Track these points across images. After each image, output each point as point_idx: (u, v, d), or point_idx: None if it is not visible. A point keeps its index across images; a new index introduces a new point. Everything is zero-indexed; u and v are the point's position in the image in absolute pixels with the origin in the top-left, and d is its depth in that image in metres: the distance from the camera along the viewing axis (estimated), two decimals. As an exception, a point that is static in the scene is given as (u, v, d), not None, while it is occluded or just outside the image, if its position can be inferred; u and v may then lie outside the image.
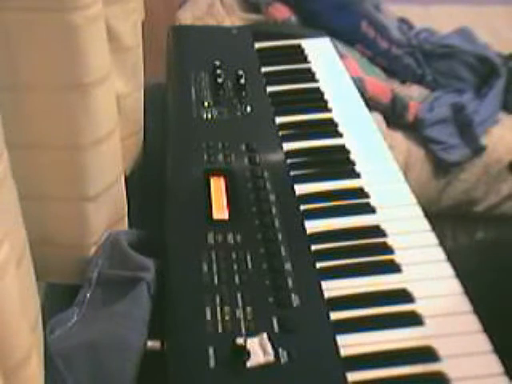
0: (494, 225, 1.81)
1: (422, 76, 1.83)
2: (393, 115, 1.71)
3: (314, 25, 1.69)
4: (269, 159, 0.96)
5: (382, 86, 1.73)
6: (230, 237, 0.80)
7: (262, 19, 1.81)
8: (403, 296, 0.76)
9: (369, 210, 0.89)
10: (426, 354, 0.69)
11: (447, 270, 0.80)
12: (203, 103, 1.08)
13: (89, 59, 0.73)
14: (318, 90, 1.17)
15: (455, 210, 1.81)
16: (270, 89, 1.16)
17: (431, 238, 0.85)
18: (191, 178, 0.91)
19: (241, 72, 1.13)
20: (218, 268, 0.76)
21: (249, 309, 0.71)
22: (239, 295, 0.72)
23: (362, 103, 1.14)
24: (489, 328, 0.71)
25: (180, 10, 1.83)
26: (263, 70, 1.21)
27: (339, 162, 0.99)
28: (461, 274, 0.78)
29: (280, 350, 0.67)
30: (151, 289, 0.78)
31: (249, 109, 1.07)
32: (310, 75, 1.21)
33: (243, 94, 1.10)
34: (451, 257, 0.81)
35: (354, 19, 1.82)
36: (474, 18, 2.15)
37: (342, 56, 1.44)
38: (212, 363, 0.65)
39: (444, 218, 1.77)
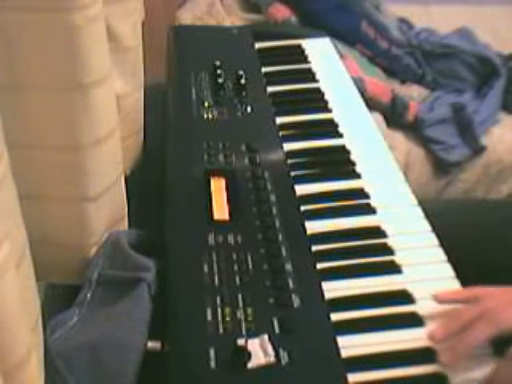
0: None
1: (421, 76, 1.82)
2: (393, 115, 1.71)
3: (314, 25, 1.68)
4: (269, 159, 0.96)
5: (382, 86, 1.72)
6: (230, 237, 0.80)
7: (262, 19, 1.80)
8: (404, 297, 0.76)
9: (369, 210, 0.89)
10: (427, 354, 0.69)
11: (448, 270, 0.80)
12: (203, 103, 1.07)
13: (89, 59, 0.73)
14: (318, 90, 1.17)
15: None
16: (270, 89, 1.15)
17: (432, 239, 0.85)
18: (191, 178, 0.91)
19: (241, 72, 1.13)
20: (218, 269, 0.76)
21: (249, 310, 0.71)
22: (240, 296, 0.72)
23: (362, 103, 1.14)
24: None
25: (180, 10, 1.82)
26: (263, 70, 1.21)
27: (339, 163, 0.99)
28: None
29: (281, 350, 0.67)
30: (152, 289, 0.78)
31: (249, 109, 1.07)
32: (310, 75, 1.21)
33: (243, 94, 1.10)
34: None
35: (354, 19, 1.81)
36: (474, 18, 2.14)
37: (341, 56, 1.44)
38: (213, 364, 0.65)
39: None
